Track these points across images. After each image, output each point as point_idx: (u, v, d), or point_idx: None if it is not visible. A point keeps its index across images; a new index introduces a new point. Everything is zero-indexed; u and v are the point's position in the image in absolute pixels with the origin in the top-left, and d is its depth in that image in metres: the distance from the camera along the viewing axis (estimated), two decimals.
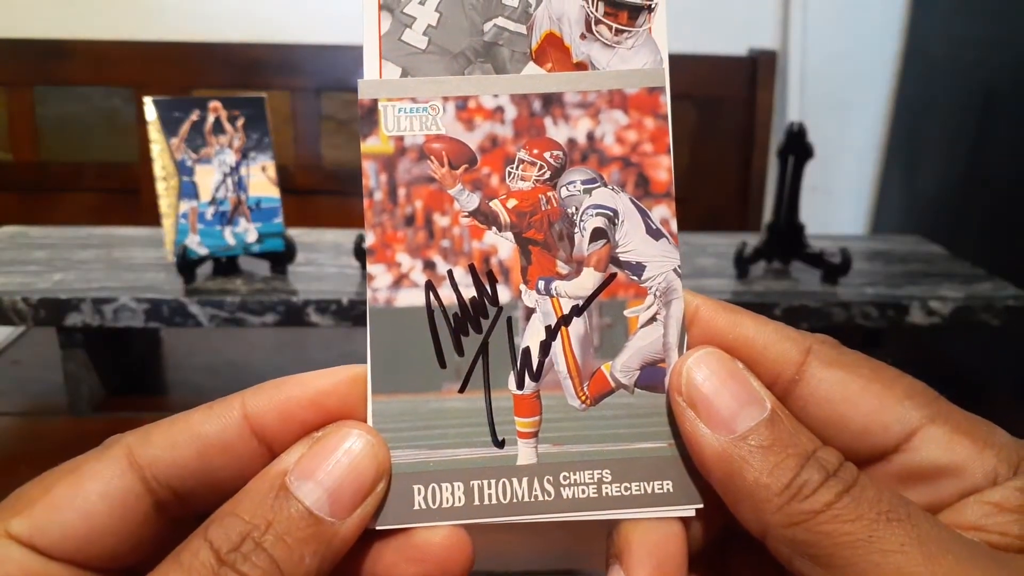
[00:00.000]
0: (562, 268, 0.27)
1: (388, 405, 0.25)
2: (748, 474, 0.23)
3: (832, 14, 1.47)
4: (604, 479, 0.26)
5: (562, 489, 0.25)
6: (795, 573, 0.23)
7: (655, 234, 0.27)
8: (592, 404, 0.26)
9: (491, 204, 0.27)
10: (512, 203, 0.27)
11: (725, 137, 1.47)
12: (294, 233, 0.92)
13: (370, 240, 0.26)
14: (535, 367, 0.26)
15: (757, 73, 1.44)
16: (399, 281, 0.26)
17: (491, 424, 0.26)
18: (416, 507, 0.25)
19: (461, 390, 0.26)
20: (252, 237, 0.88)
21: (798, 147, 0.90)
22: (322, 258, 0.94)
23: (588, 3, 0.27)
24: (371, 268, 0.26)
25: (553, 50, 0.27)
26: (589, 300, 0.27)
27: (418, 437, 0.25)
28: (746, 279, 0.90)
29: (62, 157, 1.45)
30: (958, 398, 0.25)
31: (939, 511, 0.24)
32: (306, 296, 0.82)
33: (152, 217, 0.91)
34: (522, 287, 0.26)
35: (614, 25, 0.27)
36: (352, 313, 0.81)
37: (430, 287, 0.26)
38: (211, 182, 0.86)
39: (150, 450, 0.24)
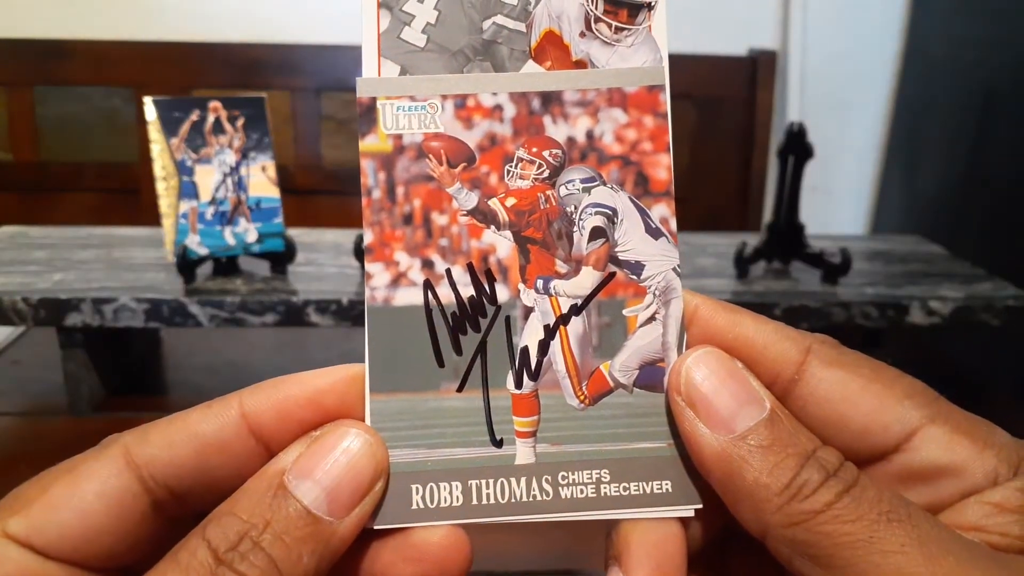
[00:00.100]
0: (561, 267, 0.27)
1: (386, 404, 0.25)
2: (748, 474, 0.23)
3: (832, 14, 1.47)
4: (603, 479, 0.25)
5: (560, 489, 0.25)
6: (795, 573, 0.23)
7: (654, 233, 0.27)
8: (591, 404, 0.26)
9: (490, 203, 0.26)
10: (511, 202, 0.27)
11: (725, 137, 1.47)
12: (294, 233, 0.92)
13: (368, 239, 0.26)
14: (533, 366, 0.26)
15: (757, 73, 1.44)
16: (397, 280, 0.26)
17: (489, 423, 0.26)
18: (414, 506, 0.25)
19: (459, 389, 0.26)
20: (252, 237, 0.88)
21: (798, 147, 0.90)
22: (322, 258, 0.94)
23: (588, 1, 0.27)
24: (369, 267, 0.26)
25: (552, 48, 0.27)
26: (588, 299, 0.27)
27: (416, 436, 0.25)
28: (746, 279, 0.90)
29: (62, 157, 1.45)
30: (958, 398, 0.25)
31: (939, 511, 0.24)
32: (306, 296, 0.82)
33: (152, 217, 0.91)
34: (520, 286, 0.26)
35: (614, 23, 0.27)
36: (352, 313, 0.81)
37: (428, 286, 0.26)
38: (211, 182, 0.86)
39: (147, 449, 0.24)
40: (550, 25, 0.27)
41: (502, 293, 0.26)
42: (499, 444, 0.26)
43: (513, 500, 0.25)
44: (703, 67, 1.43)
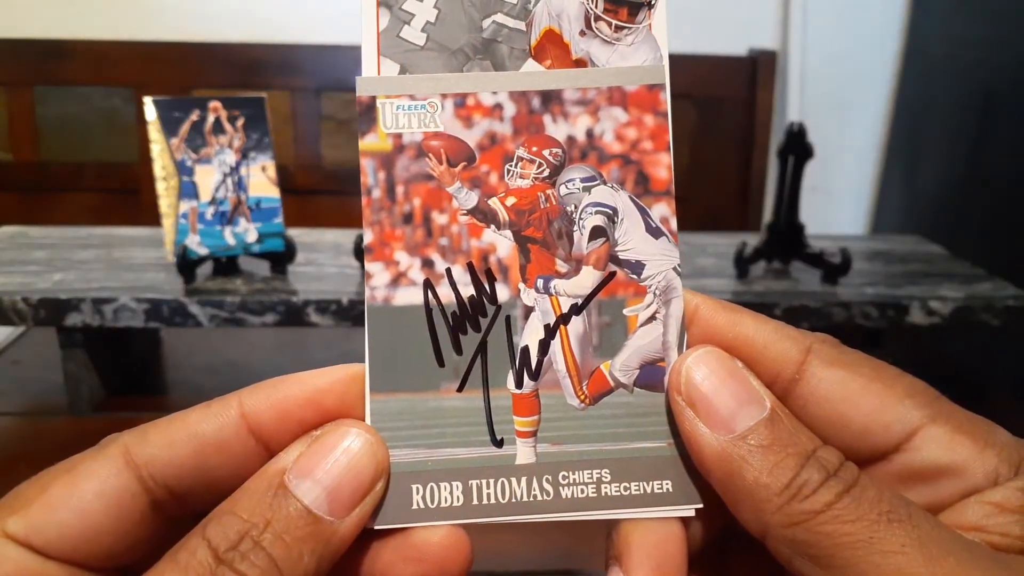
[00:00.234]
0: (561, 266, 0.27)
1: (386, 404, 0.25)
2: (748, 474, 0.23)
3: (832, 14, 1.47)
4: (603, 479, 0.25)
5: (561, 489, 0.25)
6: (795, 573, 0.23)
7: (655, 232, 0.27)
8: (591, 403, 0.26)
9: (490, 202, 0.26)
10: (511, 201, 0.26)
11: (725, 137, 1.47)
12: (294, 233, 0.92)
13: (368, 238, 0.26)
14: (534, 366, 0.26)
15: (757, 73, 1.44)
16: (397, 279, 0.26)
17: (490, 423, 0.26)
18: (415, 507, 0.25)
19: (459, 389, 0.26)
20: (252, 237, 0.88)
21: (798, 147, 0.90)
22: (322, 258, 0.94)
23: (588, 0, 0.27)
24: (369, 266, 0.26)
25: (552, 47, 0.27)
26: (588, 299, 0.26)
27: (416, 436, 0.25)
28: (746, 279, 0.90)
29: (62, 157, 1.45)
30: (958, 398, 0.25)
31: (940, 511, 0.24)
32: (306, 296, 0.82)
33: (152, 217, 0.91)
34: (521, 285, 0.26)
35: (614, 22, 0.27)
36: (352, 313, 0.81)
37: (428, 285, 0.26)
38: (211, 182, 0.86)
39: (147, 449, 0.24)
40: (550, 24, 0.27)
41: (502, 292, 0.26)
42: (499, 444, 0.26)
43: (514, 500, 0.25)
44: (703, 67, 1.43)
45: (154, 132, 0.83)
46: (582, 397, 0.26)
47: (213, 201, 0.86)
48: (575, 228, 0.27)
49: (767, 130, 1.46)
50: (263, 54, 1.40)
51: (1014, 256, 1.05)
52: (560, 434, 0.26)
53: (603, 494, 0.25)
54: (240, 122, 0.86)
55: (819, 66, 1.48)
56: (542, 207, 0.27)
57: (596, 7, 0.27)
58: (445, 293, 0.26)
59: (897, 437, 0.24)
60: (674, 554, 0.25)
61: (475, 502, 0.25)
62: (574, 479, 0.25)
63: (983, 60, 1.20)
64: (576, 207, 0.27)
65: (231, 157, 0.86)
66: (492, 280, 0.26)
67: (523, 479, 0.25)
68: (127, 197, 1.42)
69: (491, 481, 0.25)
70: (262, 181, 0.88)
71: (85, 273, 0.86)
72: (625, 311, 0.27)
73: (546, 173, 0.27)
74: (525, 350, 0.26)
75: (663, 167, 0.27)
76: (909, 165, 1.45)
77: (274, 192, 0.88)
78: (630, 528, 0.25)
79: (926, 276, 0.92)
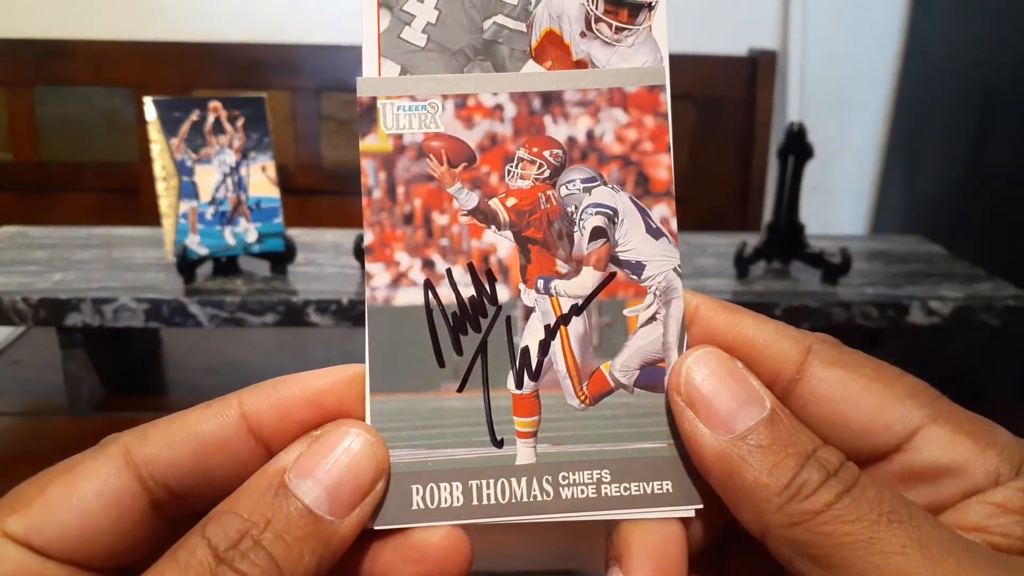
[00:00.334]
0: (561, 267, 0.27)
1: (386, 404, 0.25)
2: (747, 474, 0.23)
3: (832, 14, 1.47)
4: (603, 479, 0.25)
5: (561, 489, 0.25)
6: (795, 573, 0.23)
7: (655, 233, 0.27)
8: (591, 404, 0.26)
9: (490, 203, 0.26)
10: (511, 202, 0.26)
11: (725, 137, 1.47)
12: (294, 233, 0.92)
13: (369, 239, 0.26)
14: (534, 366, 0.26)
15: (757, 73, 1.44)
16: (398, 280, 0.26)
17: (490, 424, 0.26)
18: (415, 507, 0.25)
19: (460, 389, 0.26)
20: (252, 237, 0.88)
21: (798, 147, 0.90)
22: (322, 258, 0.94)
23: (588, 1, 0.27)
24: (370, 267, 0.26)
25: (553, 48, 0.27)
26: (588, 299, 0.26)
27: (416, 437, 0.25)
28: (746, 279, 0.90)
29: (62, 157, 1.45)
30: (958, 398, 0.25)
31: (941, 511, 0.24)
32: (306, 296, 0.82)
33: (152, 217, 0.91)
34: (521, 286, 0.26)
35: (614, 23, 0.27)
36: (352, 313, 0.81)
37: (429, 286, 0.26)
38: (211, 182, 0.86)
39: (147, 449, 0.24)
40: (550, 25, 0.27)
41: (503, 293, 0.26)
42: (500, 444, 0.26)
43: (514, 500, 0.25)
44: (703, 67, 1.43)
45: (154, 132, 0.83)
46: (582, 398, 0.26)
47: (213, 201, 0.86)
48: (575, 229, 0.27)
49: (767, 130, 1.46)
50: (263, 54, 1.40)
51: (1014, 256, 1.05)
52: (560, 434, 0.26)
53: (603, 495, 0.25)
54: (240, 122, 0.86)
55: (819, 66, 1.48)
56: (543, 208, 0.27)
57: (596, 9, 0.27)
58: (445, 293, 0.26)
59: (897, 437, 0.24)
60: (674, 555, 0.25)
61: (475, 502, 0.25)
62: (574, 479, 0.25)
63: (983, 60, 1.20)
64: (576, 208, 0.27)
65: (231, 157, 0.86)
66: (492, 281, 0.26)
67: (523, 479, 0.25)
68: (127, 197, 1.42)
69: (491, 481, 0.25)
70: (262, 181, 0.88)
71: (85, 273, 0.86)
72: (625, 312, 0.27)
73: (547, 174, 0.27)
74: (525, 350, 0.26)
75: (663, 168, 0.27)
76: (909, 165, 1.45)
77: (274, 192, 0.88)
78: (630, 529, 0.25)
79: (926, 276, 0.92)
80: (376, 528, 0.24)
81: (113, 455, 0.24)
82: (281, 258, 0.89)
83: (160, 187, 0.85)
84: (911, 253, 1.02)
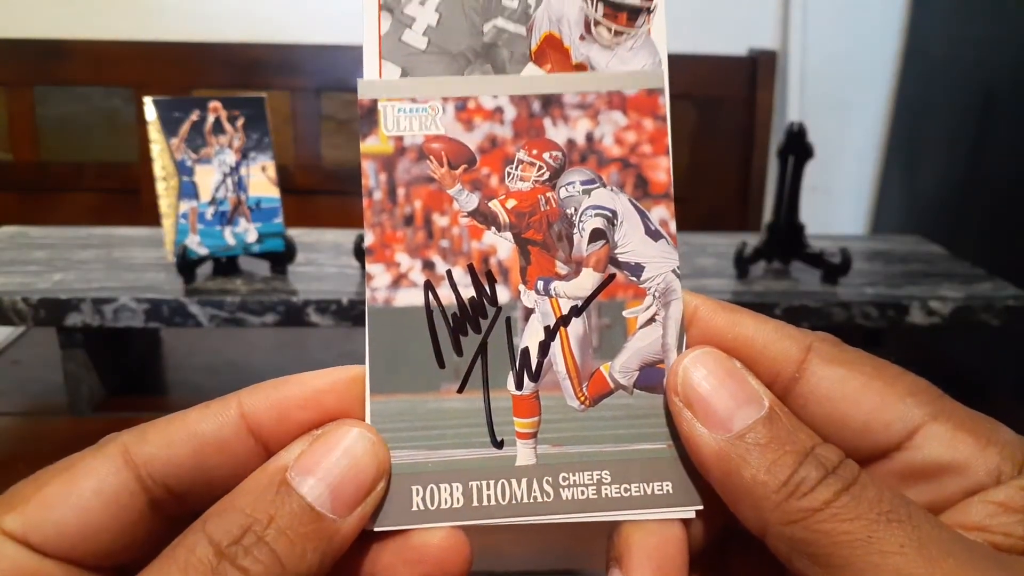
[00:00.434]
0: (561, 268, 0.27)
1: (386, 405, 0.25)
2: (746, 472, 0.23)
3: (832, 14, 1.47)
4: (604, 480, 0.25)
5: (561, 490, 0.25)
6: (795, 572, 0.23)
7: (654, 235, 0.27)
8: (591, 405, 0.26)
9: (490, 204, 0.26)
10: (511, 203, 0.27)
11: (725, 137, 1.47)
12: (294, 233, 0.92)
13: (369, 240, 0.26)
14: (534, 367, 0.26)
15: (757, 73, 1.44)
16: (398, 281, 0.26)
17: (490, 425, 0.26)
18: (415, 508, 0.25)
19: (460, 390, 0.26)
20: (252, 237, 0.88)
21: (798, 147, 0.90)
22: (322, 258, 0.94)
23: (587, 4, 0.27)
24: (370, 268, 0.26)
25: (552, 51, 0.27)
26: (588, 300, 0.27)
27: (416, 438, 0.25)
28: (746, 279, 0.90)
29: (62, 157, 1.45)
30: (958, 398, 0.25)
31: (943, 510, 0.24)
32: (306, 296, 0.82)
33: (152, 217, 0.91)
34: (521, 287, 0.26)
35: (613, 27, 0.27)
36: (352, 313, 0.81)
37: (429, 287, 0.26)
38: (211, 182, 0.86)
39: (146, 448, 0.24)
40: (550, 28, 0.27)
41: (503, 294, 0.26)
42: (500, 445, 0.26)
43: (514, 501, 0.25)
44: (703, 67, 1.43)
45: (154, 132, 0.83)
46: (582, 399, 0.26)
47: (213, 201, 0.86)
48: (575, 230, 0.27)
49: (767, 130, 1.46)
50: (263, 54, 1.40)
51: (1014, 256, 1.05)
52: (560, 435, 0.26)
53: (604, 496, 0.25)
54: (240, 122, 0.86)
55: (819, 66, 1.49)
56: (542, 209, 0.27)
57: (596, 12, 0.27)
58: (446, 295, 0.26)
59: (898, 435, 0.24)
60: (675, 555, 0.25)
61: (475, 504, 0.25)
62: (574, 480, 0.25)
63: (983, 60, 1.20)
64: (576, 210, 0.27)
65: (231, 157, 0.86)
66: (492, 282, 0.26)
67: (523, 480, 0.25)
68: (127, 197, 1.42)
69: (491, 482, 0.25)
70: (262, 181, 0.88)
71: (85, 273, 0.86)
72: (625, 313, 0.27)
73: (546, 176, 0.27)
74: (525, 351, 0.26)
75: (662, 170, 0.27)
76: (909, 165, 1.45)
77: (274, 192, 0.88)
78: (631, 530, 0.25)
79: (926, 276, 0.92)
80: (376, 529, 0.24)
81: (112, 454, 0.24)
82: (281, 258, 0.89)
83: (160, 187, 0.85)
84: (911, 253, 1.02)
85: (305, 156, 1.44)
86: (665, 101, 0.27)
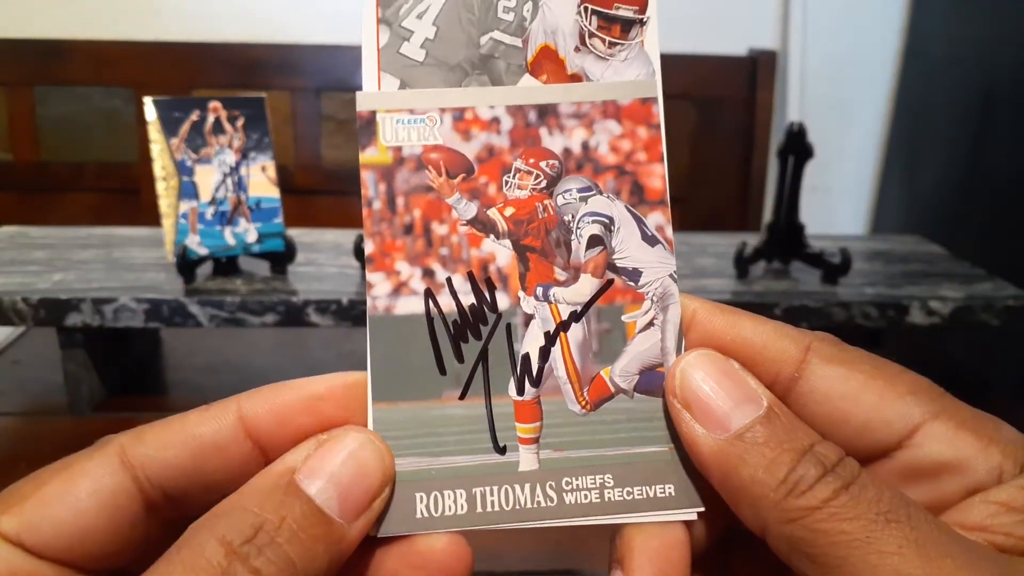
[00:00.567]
0: (560, 275, 0.27)
1: (389, 413, 0.25)
2: (744, 471, 0.23)
3: (832, 14, 1.47)
4: (606, 484, 0.26)
5: (565, 495, 0.25)
6: (795, 571, 0.23)
7: (651, 240, 0.27)
8: (592, 409, 0.26)
9: (489, 212, 0.27)
10: (509, 211, 0.27)
11: (725, 137, 1.47)
12: (294, 233, 0.92)
13: (369, 249, 0.26)
14: (535, 373, 0.26)
15: (757, 73, 1.44)
16: (398, 289, 0.26)
17: (492, 430, 0.26)
18: (419, 515, 0.25)
19: (461, 397, 0.26)
20: (252, 237, 0.88)
21: (798, 147, 0.90)
22: (322, 258, 0.94)
23: (582, 17, 0.27)
24: (370, 276, 0.26)
25: (548, 63, 0.27)
26: (587, 306, 0.27)
27: (419, 445, 0.25)
28: (746, 279, 0.90)
29: (62, 157, 1.45)
30: (958, 398, 0.25)
31: (944, 509, 0.24)
32: (306, 296, 0.82)
33: (152, 217, 0.91)
34: (520, 294, 0.27)
35: (607, 38, 0.27)
36: (352, 313, 0.81)
37: (429, 295, 0.26)
38: (211, 182, 0.86)
39: (143, 449, 0.24)
40: (546, 40, 0.27)
41: (502, 301, 0.26)
42: (502, 451, 0.26)
43: (518, 507, 0.25)
44: (703, 67, 1.43)
45: (154, 132, 0.83)
46: (583, 403, 0.26)
47: (213, 201, 0.86)
48: (573, 237, 0.27)
49: (767, 130, 1.46)
50: (263, 54, 1.40)
51: (1014, 256, 1.05)
52: (562, 440, 0.26)
53: (606, 499, 0.25)
54: (240, 122, 0.86)
55: (819, 66, 1.48)
56: (540, 217, 0.27)
57: (590, 24, 0.27)
58: (446, 302, 0.26)
59: (899, 433, 0.24)
60: (677, 558, 0.25)
61: (479, 510, 0.25)
62: (577, 485, 0.25)
63: (983, 60, 1.20)
64: (573, 217, 0.27)
65: (231, 157, 0.86)
66: (492, 289, 0.26)
67: (527, 486, 0.25)
68: (127, 197, 1.42)
69: (495, 488, 0.25)
70: (262, 181, 0.88)
71: (85, 273, 0.86)
72: (623, 318, 0.27)
73: (543, 184, 0.27)
74: (526, 357, 0.26)
75: (657, 177, 0.27)
76: (909, 165, 1.45)
77: (274, 192, 0.88)
78: (633, 532, 0.25)
79: (926, 276, 0.92)
80: (381, 535, 0.24)
81: (109, 455, 0.24)
82: (281, 258, 0.89)
83: (160, 187, 0.85)
84: (911, 253, 1.02)
85: (305, 156, 1.44)
86: (658, 110, 0.27)
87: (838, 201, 1.57)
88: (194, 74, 1.39)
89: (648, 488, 0.25)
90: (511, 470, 0.26)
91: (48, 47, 1.38)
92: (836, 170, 1.53)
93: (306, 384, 0.25)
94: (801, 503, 0.22)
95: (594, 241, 0.27)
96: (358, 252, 0.90)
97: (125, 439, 0.24)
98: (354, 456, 0.24)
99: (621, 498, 0.25)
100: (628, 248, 0.27)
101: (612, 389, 0.26)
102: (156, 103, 0.83)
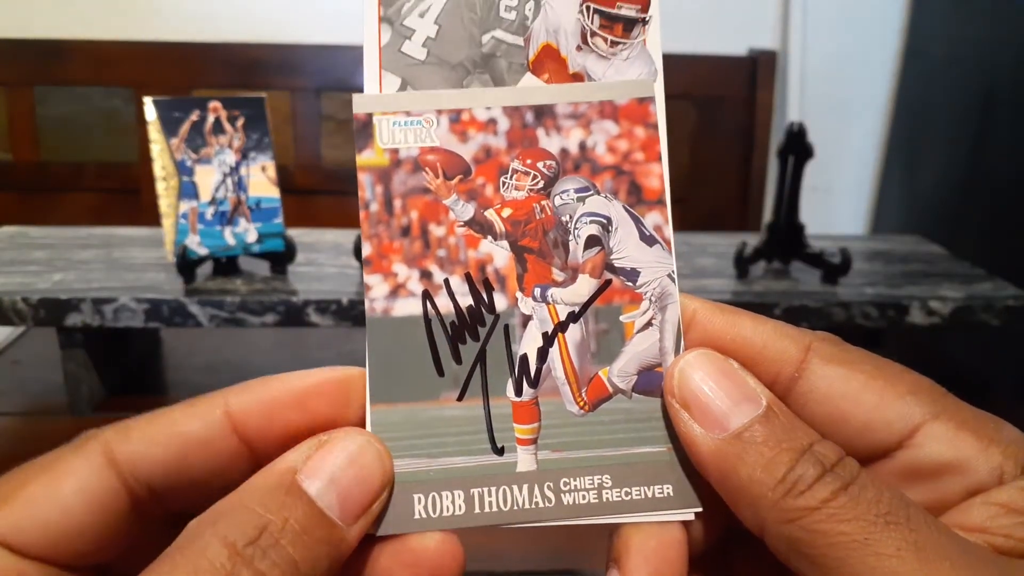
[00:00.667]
0: (557, 275, 0.27)
1: (387, 414, 0.25)
2: (742, 470, 0.23)
3: (832, 14, 1.47)
4: (604, 484, 0.25)
5: (563, 495, 0.25)
6: (793, 571, 0.23)
7: (649, 240, 0.27)
8: (590, 410, 0.26)
9: (486, 214, 0.27)
10: (507, 212, 0.27)
11: (725, 137, 1.47)
12: (294, 233, 0.92)
13: (367, 251, 0.26)
14: (533, 374, 0.26)
15: (757, 73, 1.44)
16: (396, 291, 0.26)
17: (490, 431, 0.26)
18: (417, 516, 0.25)
19: (460, 398, 0.26)
20: (252, 237, 0.88)
21: (798, 147, 0.90)
22: (322, 258, 0.94)
23: (584, 16, 0.27)
24: (368, 278, 0.26)
25: (550, 61, 0.27)
26: (585, 306, 0.27)
27: (417, 446, 0.25)
28: (746, 279, 0.90)
29: (62, 157, 1.45)
30: (958, 398, 0.25)
31: (944, 510, 0.24)
32: (306, 296, 0.82)
33: (152, 217, 0.91)
34: (518, 295, 0.26)
35: (609, 37, 0.27)
36: (352, 313, 0.81)
37: (427, 296, 0.26)
38: (211, 182, 0.86)
39: (130, 447, 0.23)
40: (547, 39, 0.27)
41: (500, 302, 0.26)
42: (500, 452, 0.26)
43: (516, 507, 0.25)
44: (703, 67, 1.43)
45: (154, 132, 0.83)
46: (581, 404, 0.26)
47: (213, 201, 0.86)
48: (570, 238, 0.27)
49: (767, 130, 1.46)
50: (263, 54, 1.40)
51: (1014, 256, 1.05)
52: (560, 441, 0.26)
53: (604, 500, 0.25)
54: (240, 122, 0.86)
55: (819, 66, 1.48)
56: (537, 218, 0.27)
57: (592, 23, 0.27)
58: (444, 303, 0.26)
59: (899, 433, 0.24)
60: (673, 558, 0.25)
61: (477, 510, 0.25)
62: (575, 485, 0.25)
63: (983, 60, 1.20)
64: (571, 217, 0.27)
65: (231, 157, 0.86)
66: (490, 290, 0.26)
67: (524, 486, 0.25)
68: (127, 197, 1.42)
69: (493, 489, 0.25)
70: (262, 181, 0.88)
71: (85, 273, 0.86)
72: (622, 318, 0.27)
73: (541, 185, 0.27)
74: (524, 358, 0.26)
75: (655, 177, 0.27)
76: (909, 165, 1.45)
77: (274, 192, 0.88)
78: (630, 532, 0.25)
79: (926, 276, 0.92)
80: (379, 535, 0.24)
81: (93, 452, 0.23)
82: (281, 258, 0.89)
83: (160, 187, 0.85)
84: (911, 253, 1.02)
85: (305, 156, 1.44)
86: (656, 109, 0.27)
87: (838, 201, 1.57)
88: (194, 74, 1.39)
89: (646, 488, 0.25)
90: (509, 471, 0.26)
91: (48, 47, 1.38)
92: (836, 170, 1.53)
93: (294, 378, 0.25)
94: (799, 503, 0.22)
95: (592, 241, 0.27)
96: (358, 252, 0.90)
97: (110, 435, 0.24)
98: (355, 459, 0.24)
99: (619, 498, 0.25)
100: (626, 248, 0.27)
101: (610, 389, 0.26)
102: (156, 103, 0.83)
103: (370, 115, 0.26)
